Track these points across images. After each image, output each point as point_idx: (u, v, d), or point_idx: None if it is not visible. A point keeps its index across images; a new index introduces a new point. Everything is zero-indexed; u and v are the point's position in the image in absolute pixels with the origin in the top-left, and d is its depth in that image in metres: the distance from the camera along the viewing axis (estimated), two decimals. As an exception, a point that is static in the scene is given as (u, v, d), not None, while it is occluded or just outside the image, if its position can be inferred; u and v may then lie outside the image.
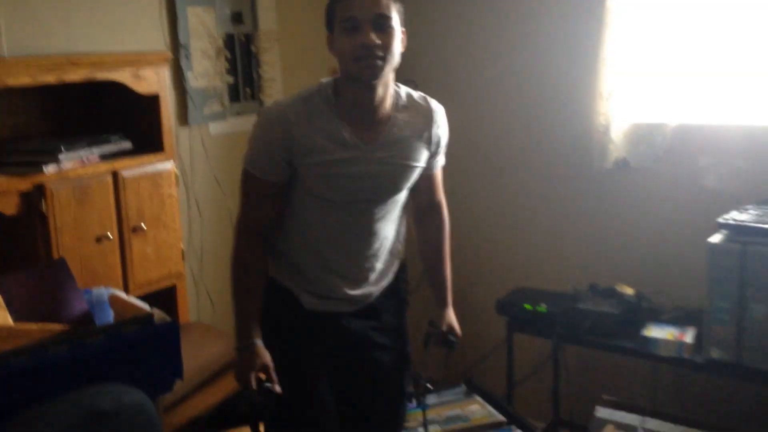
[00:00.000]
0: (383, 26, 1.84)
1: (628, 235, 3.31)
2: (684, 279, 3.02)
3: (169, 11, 3.03)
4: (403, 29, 1.91)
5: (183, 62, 3.09)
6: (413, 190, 2.13)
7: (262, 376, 1.97)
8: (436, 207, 2.24)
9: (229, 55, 3.29)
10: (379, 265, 2.08)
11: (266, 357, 1.99)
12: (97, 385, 1.75)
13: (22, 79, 2.30)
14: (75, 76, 2.43)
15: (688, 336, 2.81)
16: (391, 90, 1.96)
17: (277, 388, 1.95)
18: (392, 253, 2.12)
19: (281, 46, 3.48)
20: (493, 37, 3.61)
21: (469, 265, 3.85)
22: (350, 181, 1.93)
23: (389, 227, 2.07)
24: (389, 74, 1.91)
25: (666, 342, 2.82)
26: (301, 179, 1.95)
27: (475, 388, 2.98)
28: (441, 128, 2.08)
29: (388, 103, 1.96)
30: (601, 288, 3.15)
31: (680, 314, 2.98)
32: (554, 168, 3.50)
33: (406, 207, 2.14)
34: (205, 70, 3.19)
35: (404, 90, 2.03)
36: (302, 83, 2.16)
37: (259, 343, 2.00)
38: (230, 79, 3.31)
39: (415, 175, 2.05)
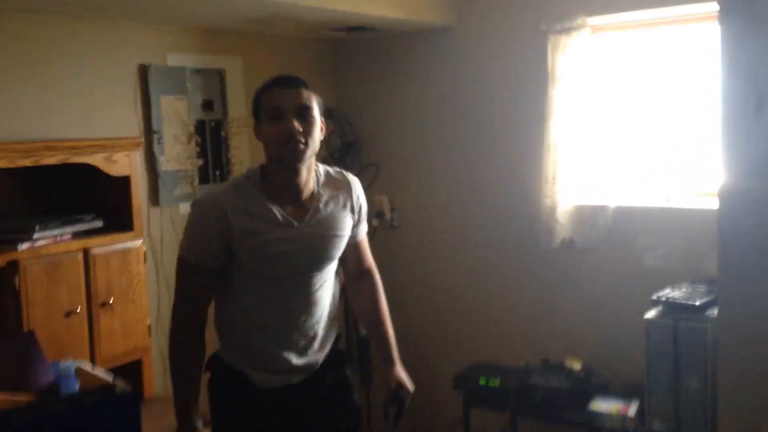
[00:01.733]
0: (305, 116, 2.05)
1: (575, 311, 3.48)
2: (628, 353, 3.17)
3: (144, 100, 3.24)
4: (323, 119, 2.12)
5: (155, 147, 3.28)
6: (342, 261, 2.29)
7: None
8: (366, 272, 2.39)
9: (199, 140, 3.49)
10: (321, 332, 2.22)
11: None
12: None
13: (0, 162, 2.46)
14: (51, 159, 2.60)
15: (632, 409, 2.96)
16: (312, 172, 2.15)
17: None
18: (331, 318, 2.26)
19: (249, 132, 3.67)
20: (447, 125, 3.86)
21: (427, 340, 4.00)
22: (287, 257, 2.09)
23: (327, 294, 2.22)
24: (311, 158, 2.11)
25: (611, 416, 2.96)
26: (241, 262, 2.09)
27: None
28: (360, 197, 2.28)
29: (312, 182, 2.15)
30: (552, 363, 3.30)
31: (625, 387, 3.13)
32: (506, 247, 3.70)
33: (337, 273, 2.29)
34: (177, 153, 3.38)
35: (322, 168, 2.23)
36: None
37: (199, 425, 2.11)
38: (200, 162, 3.50)
39: (343, 243, 2.22)
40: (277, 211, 2.09)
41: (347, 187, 2.24)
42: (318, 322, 2.20)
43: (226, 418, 2.20)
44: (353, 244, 2.31)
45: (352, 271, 2.37)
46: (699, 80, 3.20)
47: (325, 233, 2.15)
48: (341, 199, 2.21)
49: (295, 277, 2.13)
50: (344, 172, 2.28)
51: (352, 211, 2.24)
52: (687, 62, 3.24)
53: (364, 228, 2.35)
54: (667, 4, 3.16)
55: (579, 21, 3.29)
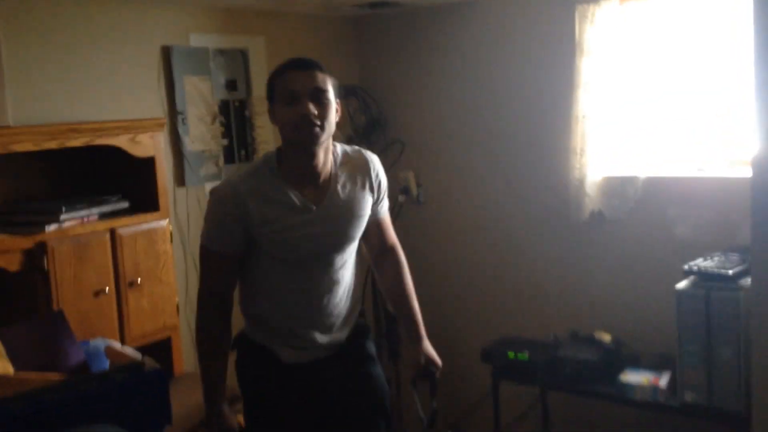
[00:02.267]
0: (320, 99, 2.03)
1: (605, 284, 3.44)
2: (659, 324, 3.13)
3: (167, 80, 3.25)
4: (338, 101, 2.10)
5: (180, 127, 3.29)
6: (365, 239, 2.28)
7: None
8: (390, 250, 2.37)
9: (224, 120, 3.50)
10: (345, 311, 2.22)
11: (231, 421, 2.14)
12: (86, 427, 1.87)
13: (26, 145, 2.49)
14: (76, 142, 2.62)
15: (663, 380, 2.91)
16: (330, 154, 2.14)
17: None
18: (354, 297, 2.26)
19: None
20: (473, 98, 3.81)
21: (454, 315, 3.99)
22: (307, 241, 2.09)
23: (348, 273, 2.22)
24: (328, 140, 2.09)
25: (642, 387, 2.92)
26: (262, 246, 2.10)
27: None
28: (379, 174, 2.25)
29: (329, 164, 2.13)
30: (581, 335, 3.26)
31: (657, 359, 3.08)
32: (534, 221, 3.66)
33: (359, 251, 2.28)
34: (201, 134, 3.39)
35: (339, 148, 2.21)
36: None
37: (225, 407, 2.15)
38: (225, 142, 3.51)
39: (363, 223, 2.20)
40: (294, 195, 2.08)
41: (365, 166, 2.22)
42: (341, 301, 2.21)
43: (255, 394, 2.22)
44: (375, 222, 2.29)
45: (375, 249, 2.36)
46: (730, 47, 3.11)
47: (345, 215, 2.14)
48: (359, 178, 2.19)
49: (315, 259, 2.13)
50: (362, 150, 2.26)
51: (371, 189, 2.22)
52: (717, 30, 3.15)
53: (385, 205, 2.32)
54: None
55: (606, -11, 3.22)
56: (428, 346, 2.35)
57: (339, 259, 2.17)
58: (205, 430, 2.17)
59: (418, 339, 2.35)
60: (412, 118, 4.02)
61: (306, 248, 2.10)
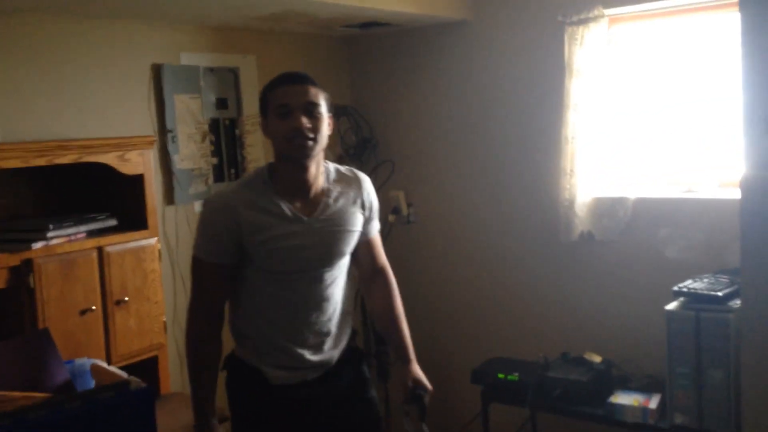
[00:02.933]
0: (312, 112, 2.05)
1: (595, 305, 3.43)
2: (649, 346, 3.12)
3: (157, 98, 3.25)
4: (330, 114, 2.12)
5: (170, 145, 3.28)
6: (355, 260, 2.27)
7: None
8: (380, 271, 2.36)
9: (213, 139, 3.49)
10: (334, 329, 2.21)
11: None
12: (70, 447, 1.83)
13: (14, 162, 2.47)
14: (64, 159, 2.60)
15: (653, 402, 2.90)
16: (322, 167, 2.15)
17: None
18: (344, 314, 2.25)
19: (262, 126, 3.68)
20: (463, 120, 3.82)
21: (444, 336, 3.98)
22: (297, 252, 2.08)
23: (338, 291, 2.21)
24: (319, 153, 2.10)
25: (632, 408, 2.90)
26: (252, 258, 2.09)
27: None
28: (371, 194, 2.26)
29: (321, 178, 2.15)
30: (571, 356, 3.25)
31: (647, 381, 3.08)
32: (524, 241, 3.66)
33: (350, 271, 2.27)
34: (191, 152, 3.38)
35: (332, 165, 2.22)
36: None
37: (215, 422, 2.13)
38: (215, 161, 3.49)
39: (354, 238, 2.20)
40: (285, 206, 2.09)
41: (357, 184, 2.23)
42: (330, 319, 2.19)
43: (243, 415, 2.20)
44: (365, 242, 2.29)
45: (365, 270, 2.35)
46: (719, 68, 3.14)
47: (335, 228, 2.14)
48: (351, 195, 2.20)
49: (305, 273, 2.12)
50: (354, 170, 2.28)
51: (363, 207, 2.23)
52: (706, 51, 3.18)
53: (376, 226, 2.32)
54: (685, -8, 3.11)
55: (596, 12, 3.25)
56: (417, 369, 2.33)
57: (328, 275, 2.16)
58: None
59: (407, 362, 2.33)
60: (402, 138, 4.03)
61: (294, 260, 2.09)
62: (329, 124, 2.12)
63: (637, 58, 3.35)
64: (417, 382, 2.29)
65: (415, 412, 2.31)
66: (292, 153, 2.05)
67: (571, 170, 3.34)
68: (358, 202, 2.21)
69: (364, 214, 2.23)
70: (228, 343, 2.21)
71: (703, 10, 3.18)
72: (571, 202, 3.35)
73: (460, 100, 3.82)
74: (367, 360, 2.38)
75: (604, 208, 3.34)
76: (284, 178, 2.11)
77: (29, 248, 2.48)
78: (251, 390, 2.18)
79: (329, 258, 2.15)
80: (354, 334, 2.34)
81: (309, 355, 2.16)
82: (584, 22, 3.27)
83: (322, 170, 2.16)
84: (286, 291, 2.12)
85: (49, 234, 2.54)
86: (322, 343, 2.19)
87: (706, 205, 3.14)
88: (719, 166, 3.19)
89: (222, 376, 2.23)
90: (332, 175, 2.20)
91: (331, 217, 2.14)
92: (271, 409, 2.16)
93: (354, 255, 2.26)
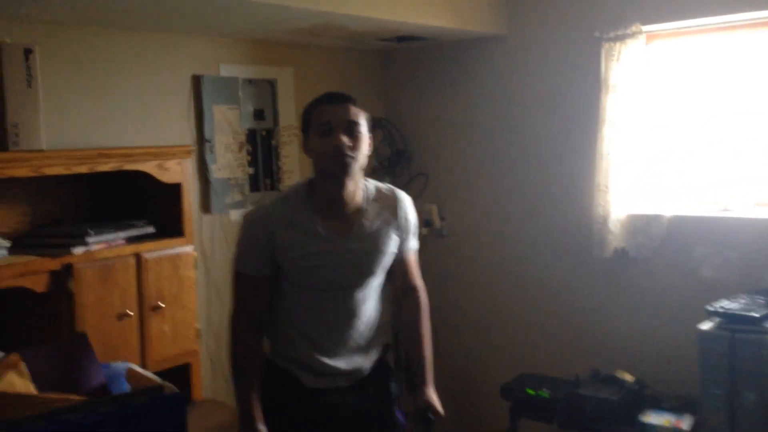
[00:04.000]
0: (353, 131, 2.09)
1: (628, 323, 3.41)
2: (682, 366, 3.09)
3: (197, 109, 3.31)
4: (370, 134, 2.15)
5: (207, 155, 3.34)
6: (389, 277, 2.29)
7: None
8: (411, 290, 2.36)
9: (250, 149, 3.54)
10: (364, 342, 2.23)
11: None
12: (105, 449, 1.87)
13: (57, 169, 2.54)
14: (105, 167, 2.67)
15: (685, 423, 2.87)
16: (360, 185, 2.17)
17: None
18: (377, 329, 2.27)
19: (299, 140, 3.72)
20: (497, 134, 3.83)
21: (475, 350, 3.97)
22: (328, 270, 2.11)
23: (370, 307, 2.23)
24: (358, 172, 2.12)
25: (663, 429, 2.88)
26: (285, 273, 2.14)
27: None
28: (409, 214, 2.27)
29: (359, 196, 2.16)
30: (603, 374, 3.23)
31: (679, 402, 3.04)
32: (557, 257, 3.64)
33: (385, 287, 2.29)
34: (228, 162, 3.43)
35: (372, 183, 2.24)
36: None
37: (262, 428, 2.14)
38: (251, 171, 3.54)
39: (387, 260, 2.21)
40: (321, 225, 2.12)
41: (395, 204, 2.24)
42: (361, 335, 2.22)
43: (276, 415, 2.21)
44: (400, 261, 2.30)
45: (398, 288, 2.36)
46: (756, 87, 3.11)
47: (369, 248, 2.17)
48: (387, 215, 2.22)
49: (335, 291, 2.16)
50: (394, 189, 2.29)
51: (398, 228, 2.23)
52: (743, 69, 3.15)
53: (412, 246, 2.33)
54: (724, 11, 3.08)
55: (634, 28, 3.24)
56: (432, 393, 2.32)
57: (359, 294, 2.19)
58: None
59: (423, 384, 2.32)
60: (436, 151, 4.04)
61: (326, 278, 2.13)
62: (369, 144, 2.15)
63: (674, 74, 3.33)
64: (429, 405, 2.29)
65: None
66: (333, 170, 2.08)
67: (606, 186, 3.32)
68: (393, 223, 2.22)
69: (399, 235, 2.24)
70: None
71: (740, 28, 3.16)
72: (606, 219, 3.33)
73: (495, 114, 3.83)
74: (395, 376, 2.39)
75: (639, 225, 3.31)
76: (322, 195, 2.14)
77: (70, 253, 2.54)
78: (284, 391, 2.21)
79: (360, 277, 2.17)
80: (387, 347, 2.35)
81: (338, 364, 2.19)
82: (621, 38, 3.27)
83: (361, 188, 2.18)
84: (317, 305, 2.16)
85: (90, 240, 2.60)
86: (352, 354, 2.21)
87: (742, 223, 3.10)
88: (756, 184, 3.15)
89: None
90: (371, 193, 2.21)
91: (366, 237, 2.16)
92: (301, 410, 2.19)
93: (388, 273, 2.27)
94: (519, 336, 3.81)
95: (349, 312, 2.18)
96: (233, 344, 2.20)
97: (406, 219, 2.26)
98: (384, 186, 2.27)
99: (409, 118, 4.11)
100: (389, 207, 2.23)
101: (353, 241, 2.14)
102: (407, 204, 2.28)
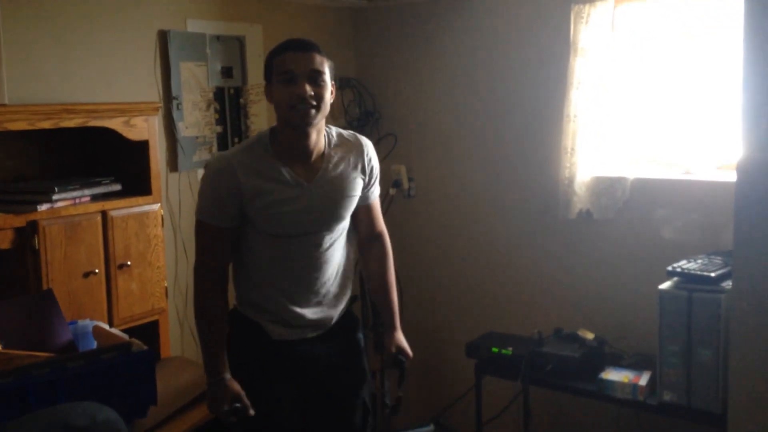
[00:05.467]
0: (317, 80, 2.08)
1: (591, 283, 3.48)
2: (642, 325, 3.17)
3: (163, 65, 3.26)
4: (333, 83, 2.15)
5: (174, 113, 3.30)
6: (355, 224, 2.32)
7: (237, 405, 2.14)
8: (377, 237, 2.41)
9: (218, 107, 3.51)
10: (334, 290, 2.27)
11: (236, 387, 2.16)
12: (72, 403, 1.89)
13: (20, 124, 2.50)
14: (70, 122, 2.63)
15: (643, 379, 2.95)
16: (323, 134, 2.19)
17: (251, 411, 2.13)
18: (345, 276, 2.31)
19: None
20: (466, 96, 3.84)
21: (442, 309, 4.02)
22: (297, 216, 2.13)
23: (338, 254, 2.26)
24: (321, 121, 2.14)
25: (622, 385, 2.96)
26: (253, 221, 2.15)
27: (443, 428, 3.10)
28: (372, 159, 2.30)
29: (322, 144, 2.18)
30: (565, 333, 3.30)
31: (638, 359, 3.12)
32: (523, 218, 3.69)
33: (351, 236, 2.32)
34: (196, 120, 3.40)
35: (335, 130, 2.26)
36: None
37: (228, 376, 2.18)
38: (219, 129, 3.52)
39: (353, 204, 2.25)
40: (286, 171, 2.13)
41: (359, 149, 2.27)
42: (329, 280, 2.25)
43: (243, 366, 2.25)
44: (365, 207, 2.33)
45: (363, 234, 2.40)
46: (720, 52, 3.15)
47: (334, 193, 2.19)
48: (352, 160, 2.24)
49: (304, 236, 2.18)
50: (357, 135, 2.31)
51: (363, 172, 2.26)
52: (708, 34, 3.19)
53: (375, 191, 2.37)
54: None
55: (602, -9, 3.25)
56: (400, 336, 2.40)
57: (328, 239, 2.21)
58: (208, 403, 2.20)
59: (392, 327, 2.39)
60: (405, 112, 4.05)
61: (294, 224, 2.14)
62: (332, 92, 2.15)
63: (639, 38, 3.35)
64: (399, 349, 2.36)
65: (394, 377, 2.37)
66: (294, 120, 2.09)
67: (573, 148, 3.36)
68: (359, 166, 2.25)
69: (363, 179, 2.27)
70: (231, 299, 2.28)
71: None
72: (571, 181, 3.38)
73: (464, 75, 3.83)
74: (361, 328, 2.43)
75: (603, 187, 3.36)
76: (285, 144, 2.15)
77: (35, 210, 2.52)
78: (252, 343, 2.24)
79: (328, 222, 2.20)
80: (354, 299, 2.39)
81: (308, 314, 2.23)
82: (591, 0, 3.27)
83: (322, 136, 2.19)
84: (286, 253, 2.18)
85: (55, 197, 2.57)
86: (320, 302, 2.25)
87: (703, 187, 3.17)
88: (717, 147, 3.21)
89: None
90: (334, 139, 2.23)
91: (331, 182, 2.18)
92: (269, 362, 2.23)
93: (353, 219, 2.30)
94: (484, 295, 3.87)
95: (318, 257, 2.20)
96: (198, 296, 2.20)
97: (371, 164, 2.29)
98: (346, 132, 2.29)
99: (379, 79, 4.10)
100: (354, 151, 2.25)
101: (319, 185, 2.16)
102: (371, 149, 2.31)
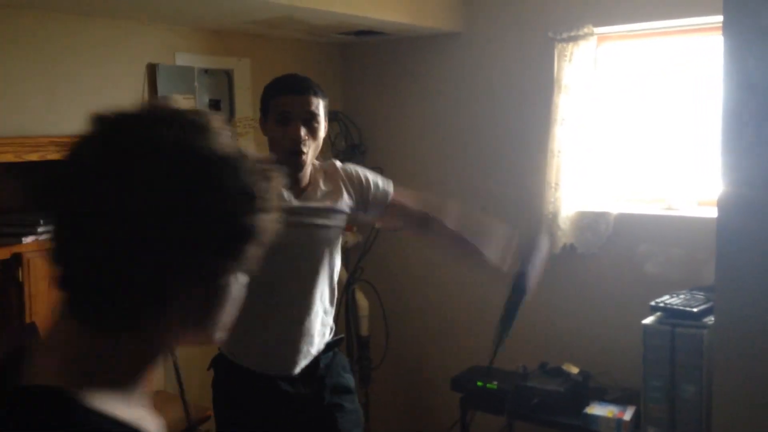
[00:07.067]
0: (311, 122, 2.11)
1: (575, 317, 3.49)
2: (626, 359, 3.18)
3: (152, 98, 3.28)
4: (326, 120, 2.18)
5: (162, 145, 3.31)
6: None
7: None
8: (424, 219, 2.37)
9: (205, 139, 3.52)
10: (313, 326, 2.25)
11: None
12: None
13: (7, 156, 2.51)
14: (57, 155, 2.63)
15: (628, 414, 2.97)
16: (311, 168, 2.21)
17: None
18: (323, 313, 2.29)
19: (256, 132, 3.71)
20: (452, 130, 3.88)
21: (426, 343, 4.02)
22: (284, 241, 2.12)
23: (317, 291, 2.24)
24: (312, 158, 2.17)
25: (606, 419, 2.97)
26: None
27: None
28: (347, 169, 2.30)
29: (308, 176, 2.20)
30: (550, 367, 3.31)
31: (623, 393, 3.14)
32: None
33: (332, 275, 2.30)
34: (183, 152, 3.41)
35: (318, 164, 2.28)
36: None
37: None
38: (206, 161, 3.53)
39: (334, 235, 2.24)
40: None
41: (334, 171, 2.27)
42: (310, 322, 2.24)
43: (227, 406, 2.23)
44: (391, 207, 2.32)
45: (414, 224, 2.39)
46: (703, 89, 3.21)
47: (316, 223, 2.20)
48: (334, 183, 2.25)
49: (286, 268, 2.16)
50: (333, 162, 2.32)
51: (354, 190, 2.27)
52: (692, 72, 3.25)
53: (387, 188, 2.34)
54: (672, 16, 3.17)
55: (586, 30, 3.31)
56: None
57: (309, 271, 2.20)
58: None
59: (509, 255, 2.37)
60: (391, 146, 4.08)
61: (277, 257, 2.13)
62: (324, 128, 2.18)
63: (622, 75, 3.41)
64: (523, 274, 2.37)
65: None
66: (286, 164, 2.09)
67: (557, 183, 3.40)
68: (343, 187, 2.25)
69: (352, 196, 2.26)
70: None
71: (688, 33, 3.26)
72: (555, 215, 3.41)
73: (450, 110, 3.88)
74: (340, 345, 2.43)
75: (587, 222, 3.40)
76: None
77: (20, 242, 2.51)
78: (235, 382, 2.23)
79: (311, 245, 2.20)
80: (341, 339, 2.39)
81: (291, 354, 2.22)
82: (574, 39, 3.34)
83: (310, 170, 2.21)
84: (268, 288, 2.15)
85: (40, 229, 2.57)
86: (300, 342, 2.23)
87: (685, 222, 3.21)
88: (699, 184, 3.26)
89: (209, 376, 2.27)
90: (319, 173, 2.25)
91: (313, 213, 2.18)
92: (254, 400, 2.21)
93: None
94: (470, 330, 3.87)
95: (296, 293, 2.20)
96: None
97: (356, 176, 2.28)
98: (324, 164, 2.30)
99: (365, 112, 4.14)
100: (332, 176, 2.26)
101: (302, 214, 2.16)
102: (349, 167, 2.31)
